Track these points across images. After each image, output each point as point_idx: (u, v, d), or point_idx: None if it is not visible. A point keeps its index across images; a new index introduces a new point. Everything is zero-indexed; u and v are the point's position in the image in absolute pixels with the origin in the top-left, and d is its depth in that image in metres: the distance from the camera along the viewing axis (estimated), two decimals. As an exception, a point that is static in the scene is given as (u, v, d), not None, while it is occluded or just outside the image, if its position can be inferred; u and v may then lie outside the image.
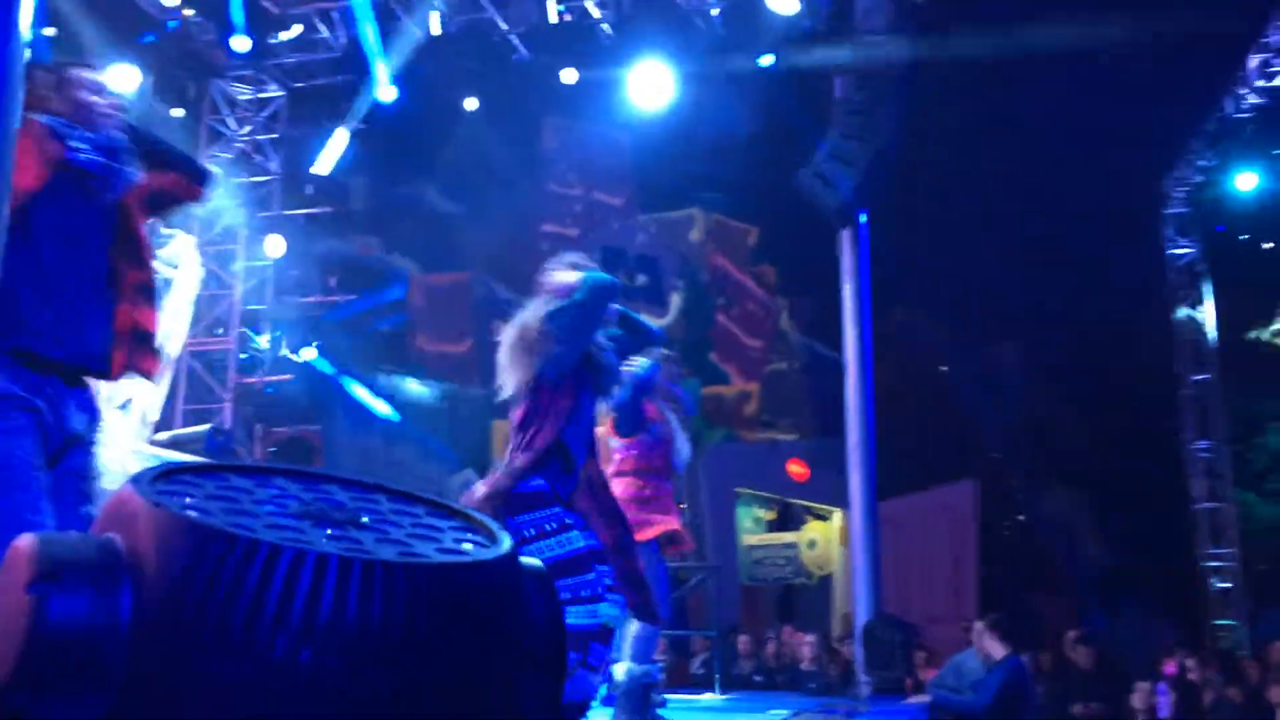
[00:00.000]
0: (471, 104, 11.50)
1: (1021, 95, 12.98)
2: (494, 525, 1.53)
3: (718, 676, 8.33)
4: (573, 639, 3.17)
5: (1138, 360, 14.94)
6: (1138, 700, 7.37)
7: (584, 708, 3.58)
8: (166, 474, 1.48)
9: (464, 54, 10.39)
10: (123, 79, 9.30)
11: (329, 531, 1.40)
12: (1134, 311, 15.25)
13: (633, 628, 4.89)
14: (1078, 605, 14.41)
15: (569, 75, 10.40)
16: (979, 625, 7.84)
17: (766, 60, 9.85)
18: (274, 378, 10.70)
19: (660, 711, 5.19)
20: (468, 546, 1.45)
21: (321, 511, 1.48)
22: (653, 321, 18.15)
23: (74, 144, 2.58)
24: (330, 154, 10.62)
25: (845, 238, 9.07)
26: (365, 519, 1.48)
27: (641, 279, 17.85)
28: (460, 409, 15.38)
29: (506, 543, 1.46)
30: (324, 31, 10.37)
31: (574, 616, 3.28)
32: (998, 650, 7.31)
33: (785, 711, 6.05)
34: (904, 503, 15.36)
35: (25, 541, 1.35)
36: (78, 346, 2.56)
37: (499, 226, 16.28)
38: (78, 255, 2.61)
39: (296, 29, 10.38)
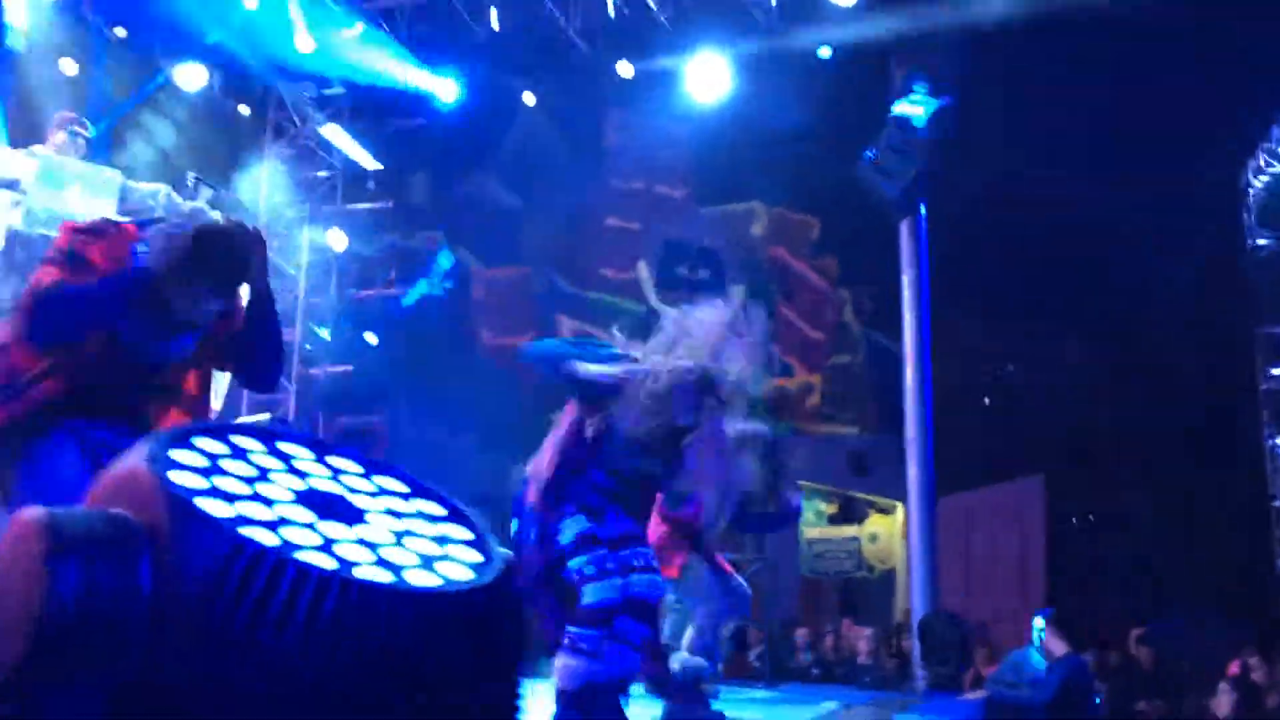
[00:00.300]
0: (530, 99, 11.58)
1: (1089, 82, 12.68)
2: (483, 530, 1.58)
3: (767, 669, 8.31)
4: (595, 613, 3.26)
5: (1213, 354, 14.55)
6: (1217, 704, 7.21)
7: (622, 685, 3.48)
8: (179, 438, 1.53)
9: (523, 49, 10.47)
10: (190, 77, 9.57)
11: (335, 534, 1.45)
12: (1209, 304, 14.85)
13: (690, 629, 5.02)
14: (1148, 604, 14.10)
15: (626, 69, 10.42)
16: (1039, 622, 7.74)
17: (825, 51, 9.77)
18: (336, 369, 10.92)
19: (712, 702, 5.23)
20: (453, 572, 1.49)
21: (327, 504, 1.53)
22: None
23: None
24: None
25: (904, 229, 8.98)
26: (365, 515, 1.52)
27: (703, 272, 17.82)
28: (523, 400, 15.52)
29: (485, 557, 1.50)
30: (385, 29, 10.52)
31: (596, 591, 3.29)
32: (1058, 648, 7.19)
33: (835, 704, 6.02)
34: (972, 498, 15.18)
35: (32, 514, 1.38)
36: None
37: (561, 220, 16.40)
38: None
39: (359, 26, 10.54)
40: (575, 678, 3.22)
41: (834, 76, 10.59)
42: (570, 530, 3.41)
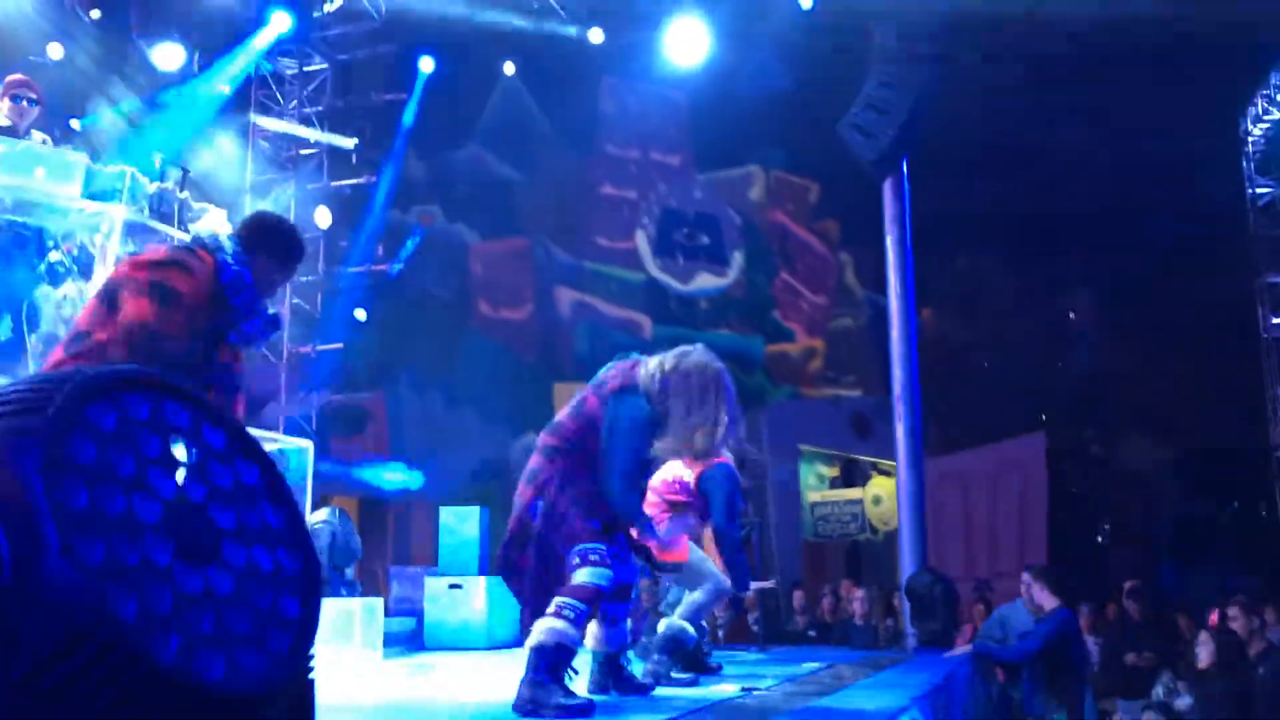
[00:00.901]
0: (510, 68, 11.52)
1: (1079, 31, 12.45)
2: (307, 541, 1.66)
3: (763, 632, 8.35)
4: (585, 591, 3.58)
5: (1214, 305, 14.41)
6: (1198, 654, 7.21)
7: (615, 657, 4.08)
8: (80, 404, 1.57)
9: (502, 19, 10.41)
10: (169, 57, 9.54)
11: (185, 586, 1.57)
12: (1211, 254, 14.69)
13: (694, 595, 5.26)
14: (1150, 558, 14.08)
15: (596, 35, 10.35)
16: (1026, 576, 7.74)
17: (806, 2, 9.65)
18: (326, 346, 10.94)
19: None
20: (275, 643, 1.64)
21: (189, 528, 1.59)
22: (715, 281, 17.97)
23: None
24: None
25: (887, 188, 8.90)
26: (220, 542, 1.59)
27: (702, 239, 17.78)
28: (522, 372, 15.55)
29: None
30: (364, 3, 10.47)
31: (590, 575, 3.61)
32: (1048, 602, 7.20)
33: (817, 664, 6.04)
34: (973, 456, 15.17)
35: None
36: None
37: (556, 191, 16.35)
38: None
39: (338, 1, 10.50)
40: (554, 635, 3.47)
41: (819, 31, 10.47)
42: (581, 519, 3.72)
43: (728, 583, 5.31)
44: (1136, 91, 14.20)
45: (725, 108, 15.00)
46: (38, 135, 6.02)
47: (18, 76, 6.12)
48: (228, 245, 3.15)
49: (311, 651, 1.76)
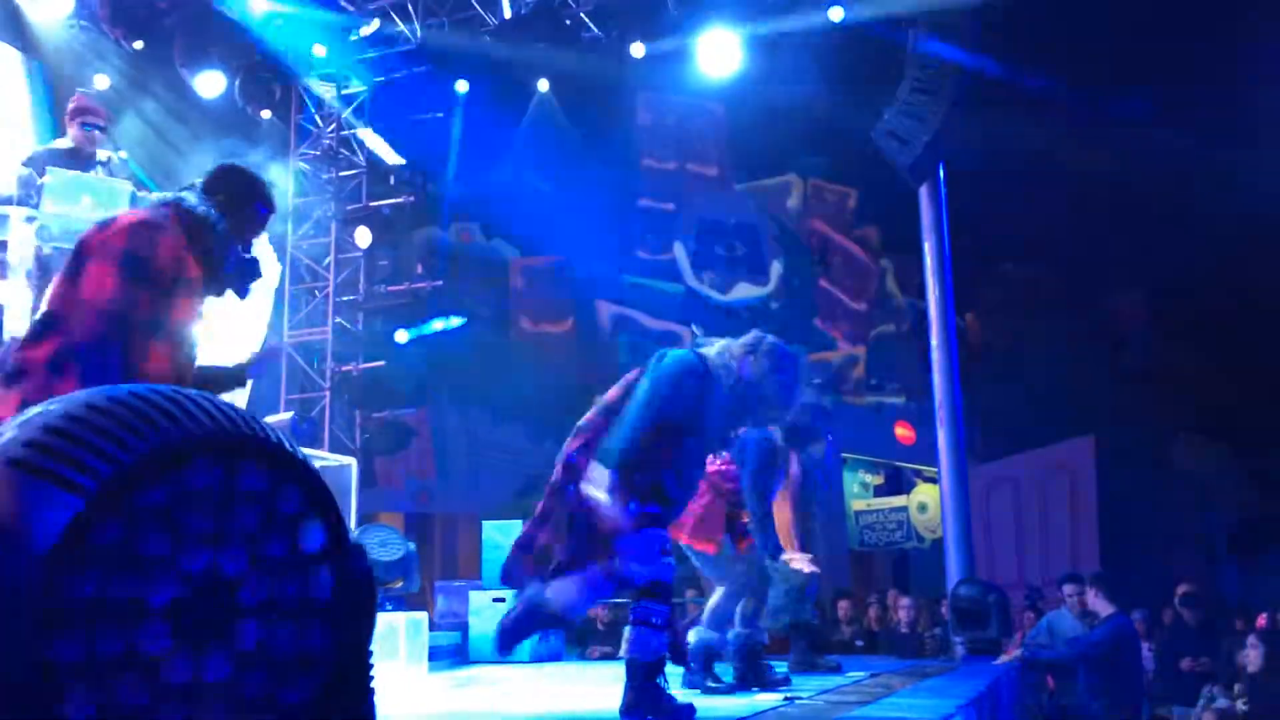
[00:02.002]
0: (544, 85, 11.61)
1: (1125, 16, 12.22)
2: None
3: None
4: (659, 588, 3.48)
5: (1263, 301, 14.14)
6: (1247, 657, 7.08)
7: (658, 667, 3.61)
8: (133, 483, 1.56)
9: (535, 36, 10.49)
10: (209, 84, 9.72)
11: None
12: (1263, 251, 14.41)
13: (713, 599, 5.17)
14: (1205, 562, 13.82)
15: (638, 49, 10.40)
16: (1069, 588, 7.66)
17: (836, 14, 9.64)
18: (369, 365, 11.06)
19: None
20: None
21: (202, 610, 1.62)
22: (754, 291, 17.90)
23: None
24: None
25: (924, 194, 8.85)
26: (237, 626, 1.64)
27: (740, 249, 17.76)
28: (563, 386, 15.59)
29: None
30: (400, 24, 10.59)
31: (647, 571, 3.49)
32: (1103, 608, 7.11)
33: (862, 674, 6.00)
34: (1022, 460, 14.99)
35: None
36: None
37: (594, 205, 16.40)
38: None
39: (375, 24, 10.63)
40: (652, 651, 3.42)
41: (852, 39, 10.44)
42: (640, 506, 3.52)
43: (755, 581, 5.20)
44: (1185, 88, 13.98)
45: (761, 118, 14.98)
46: (103, 154, 6.16)
47: (85, 102, 6.23)
48: (192, 197, 3.07)
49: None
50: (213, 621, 1.61)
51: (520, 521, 8.05)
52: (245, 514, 1.70)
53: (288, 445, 1.77)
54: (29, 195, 5.85)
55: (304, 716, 1.68)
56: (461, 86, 11.50)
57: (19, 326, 5.71)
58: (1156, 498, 15.67)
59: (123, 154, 6.25)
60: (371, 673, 1.90)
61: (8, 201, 5.86)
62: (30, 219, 5.80)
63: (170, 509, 1.61)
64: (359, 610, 1.81)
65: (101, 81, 9.35)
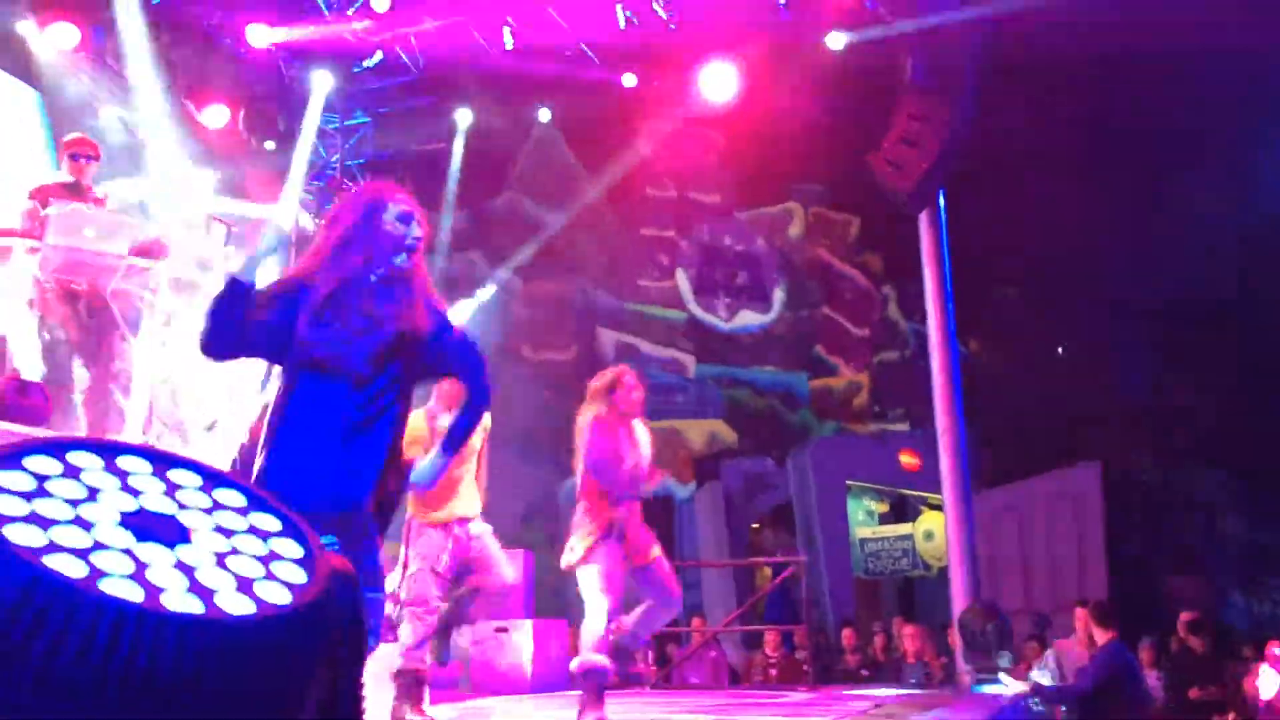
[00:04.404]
0: (545, 115, 11.70)
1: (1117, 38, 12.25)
2: (313, 545, 1.58)
3: (814, 671, 8.24)
4: None
5: (1271, 326, 14.13)
6: (1260, 686, 7.03)
7: None
8: (7, 458, 1.53)
9: (537, 67, 10.57)
10: (213, 116, 9.79)
11: (150, 558, 1.47)
12: (1270, 278, 14.42)
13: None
14: (1215, 587, 13.73)
15: (630, 79, 10.49)
16: (1084, 611, 7.60)
17: (837, 42, 9.71)
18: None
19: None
20: (271, 594, 1.50)
21: (152, 525, 1.54)
22: (757, 318, 17.92)
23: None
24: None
25: (923, 221, 8.87)
26: (191, 535, 1.54)
27: (742, 276, 17.81)
28: (567, 415, 15.58)
29: (310, 574, 1.51)
30: (403, 56, 10.68)
31: None
32: (1100, 636, 7.07)
33: (867, 704, 5.96)
34: (1027, 486, 14.92)
35: None
36: None
37: (596, 233, 16.46)
38: None
39: (378, 55, 10.72)
40: None
41: (850, 68, 10.51)
42: None
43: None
44: (1186, 112, 14.03)
45: (762, 146, 15.06)
46: (99, 189, 6.24)
47: (76, 136, 6.38)
48: None
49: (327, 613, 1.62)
50: (173, 530, 1.57)
51: (522, 552, 8.06)
52: (146, 480, 1.68)
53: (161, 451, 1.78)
54: (33, 227, 5.91)
55: (305, 572, 1.62)
56: (464, 116, 11.57)
57: (22, 356, 5.76)
58: (1163, 524, 15.61)
59: (108, 193, 6.35)
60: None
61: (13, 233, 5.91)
62: (34, 250, 5.86)
63: (70, 473, 1.60)
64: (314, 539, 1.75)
65: (108, 114, 9.44)
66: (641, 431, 4.82)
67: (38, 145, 8.89)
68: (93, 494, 1.53)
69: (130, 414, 5.82)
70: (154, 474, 1.62)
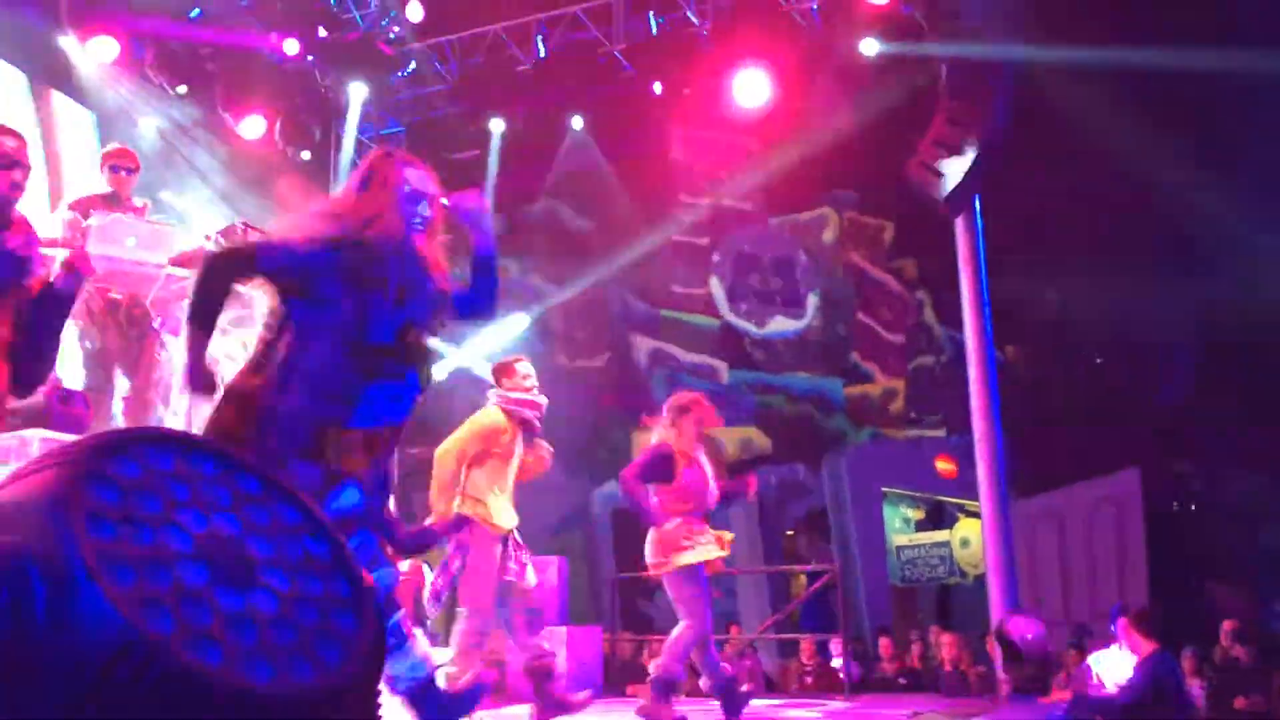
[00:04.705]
0: (579, 123, 11.73)
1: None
2: (354, 573, 1.65)
3: (850, 680, 8.18)
4: None
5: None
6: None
7: None
8: (107, 449, 1.60)
9: (569, 75, 10.61)
10: (250, 127, 9.90)
11: (224, 605, 1.58)
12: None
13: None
14: (1259, 596, 13.50)
15: (667, 85, 10.50)
16: (1123, 621, 7.49)
17: (870, 48, 9.67)
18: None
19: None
20: (327, 656, 1.61)
21: (223, 557, 1.62)
22: (791, 324, 17.87)
23: None
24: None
25: (959, 226, 8.80)
26: (256, 571, 1.63)
27: (776, 283, 17.75)
28: (600, 422, 15.60)
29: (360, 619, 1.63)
30: (437, 65, 10.76)
31: None
32: (1143, 646, 6.96)
33: (905, 713, 5.91)
34: (1066, 494, 14.75)
35: None
36: None
37: (630, 240, 16.47)
38: None
39: (412, 65, 10.80)
40: None
41: (884, 75, 10.47)
42: None
43: None
44: (1225, 108, 13.82)
45: (795, 152, 15.00)
46: (138, 200, 6.33)
47: (115, 147, 6.47)
48: None
49: (373, 672, 1.74)
50: (238, 568, 1.66)
51: (556, 558, 8.07)
52: (216, 489, 1.77)
53: (227, 448, 1.88)
54: (74, 237, 5.99)
55: (354, 644, 1.72)
56: (497, 125, 11.62)
57: (64, 365, 5.84)
58: (1205, 532, 15.37)
59: (149, 203, 6.44)
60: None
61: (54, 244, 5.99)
62: (74, 260, 5.94)
63: (148, 483, 1.69)
64: (352, 566, 1.86)
65: (147, 125, 9.58)
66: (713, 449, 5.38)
67: (91, 164, 9.04)
68: (170, 508, 1.60)
69: (169, 423, 5.88)
70: (221, 479, 1.69)
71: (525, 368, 5.21)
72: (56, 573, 1.44)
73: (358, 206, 2.93)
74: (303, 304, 2.73)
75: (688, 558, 4.98)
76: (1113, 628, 7.11)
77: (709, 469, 5.26)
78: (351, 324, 2.72)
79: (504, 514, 4.83)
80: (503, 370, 5.20)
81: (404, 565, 7.56)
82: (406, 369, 2.81)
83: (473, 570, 4.75)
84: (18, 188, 3.21)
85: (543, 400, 5.07)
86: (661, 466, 5.12)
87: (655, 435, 5.30)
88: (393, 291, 2.79)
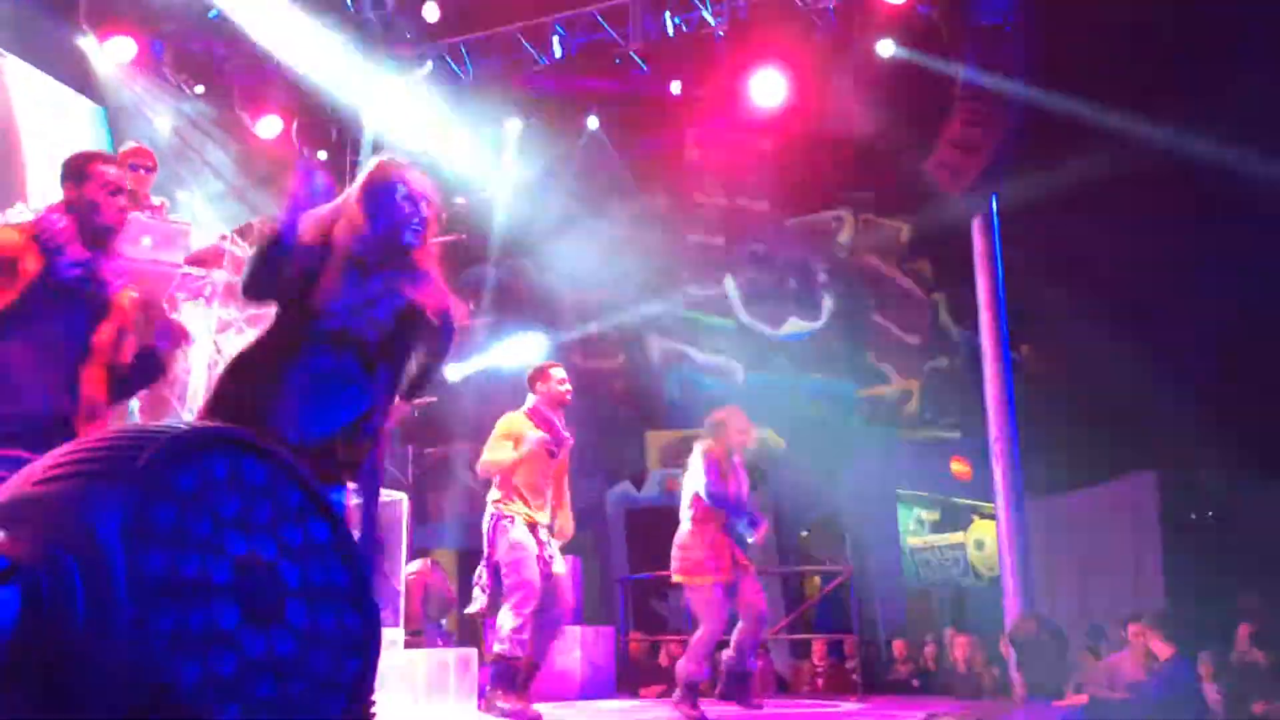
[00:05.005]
0: (593, 123, 11.74)
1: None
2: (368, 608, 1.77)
3: (863, 682, 8.16)
4: None
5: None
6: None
7: None
8: (166, 466, 1.62)
9: (585, 74, 10.61)
10: (266, 127, 9.94)
11: (248, 645, 1.64)
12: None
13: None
14: (1276, 599, 13.39)
15: (677, 87, 10.50)
16: (1139, 626, 7.46)
17: (886, 48, 9.64)
18: (422, 401, 11.09)
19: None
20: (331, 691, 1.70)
21: (255, 588, 1.66)
22: (806, 325, 17.85)
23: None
24: None
25: (976, 226, 8.77)
26: (285, 603, 1.69)
27: (792, 283, 17.71)
28: (615, 422, 15.60)
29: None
30: (452, 65, 10.77)
31: None
32: (1163, 651, 6.93)
33: (919, 714, 5.89)
34: (1082, 497, 14.67)
35: None
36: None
37: (644, 240, 16.46)
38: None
39: (428, 66, 10.81)
40: None
41: (900, 75, 10.42)
42: None
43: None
44: (1243, 107, 13.69)
45: (811, 153, 14.97)
46: (156, 200, 6.36)
47: (133, 146, 6.49)
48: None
49: (368, 705, 1.79)
50: (267, 602, 1.71)
51: (570, 558, 8.07)
52: (261, 504, 1.81)
53: (281, 449, 1.90)
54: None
55: (355, 691, 1.79)
56: (513, 125, 11.63)
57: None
58: (1221, 534, 15.26)
59: (165, 202, 6.46)
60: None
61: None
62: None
63: (202, 494, 1.72)
64: (370, 591, 1.93)
65: (163, 125, 9.63)
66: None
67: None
68: (218, 529, 1.64)
69: (186, 422, 5.90)
70: (267, 491, 1.73)
71: (558, 372, 5.68)
72: (102, 593, 1.47)
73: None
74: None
75: (708, 580, 5.44)
76: (1125, 632, 7.08)
77: (745, 480, 5.83)
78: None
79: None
80: (537, 375, 5.62)
81: (414, 566, 7.57)
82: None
83: None
84: (123, 212, 3.43)
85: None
86: (715, 470, 5.62)
87: (698, 446, 5.74)
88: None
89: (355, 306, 2.82)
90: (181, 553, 1.62)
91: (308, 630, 1.74)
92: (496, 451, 5.19)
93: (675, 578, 5.53)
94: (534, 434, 5.11)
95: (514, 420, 5.34)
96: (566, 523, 5.44)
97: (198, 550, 1.65)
